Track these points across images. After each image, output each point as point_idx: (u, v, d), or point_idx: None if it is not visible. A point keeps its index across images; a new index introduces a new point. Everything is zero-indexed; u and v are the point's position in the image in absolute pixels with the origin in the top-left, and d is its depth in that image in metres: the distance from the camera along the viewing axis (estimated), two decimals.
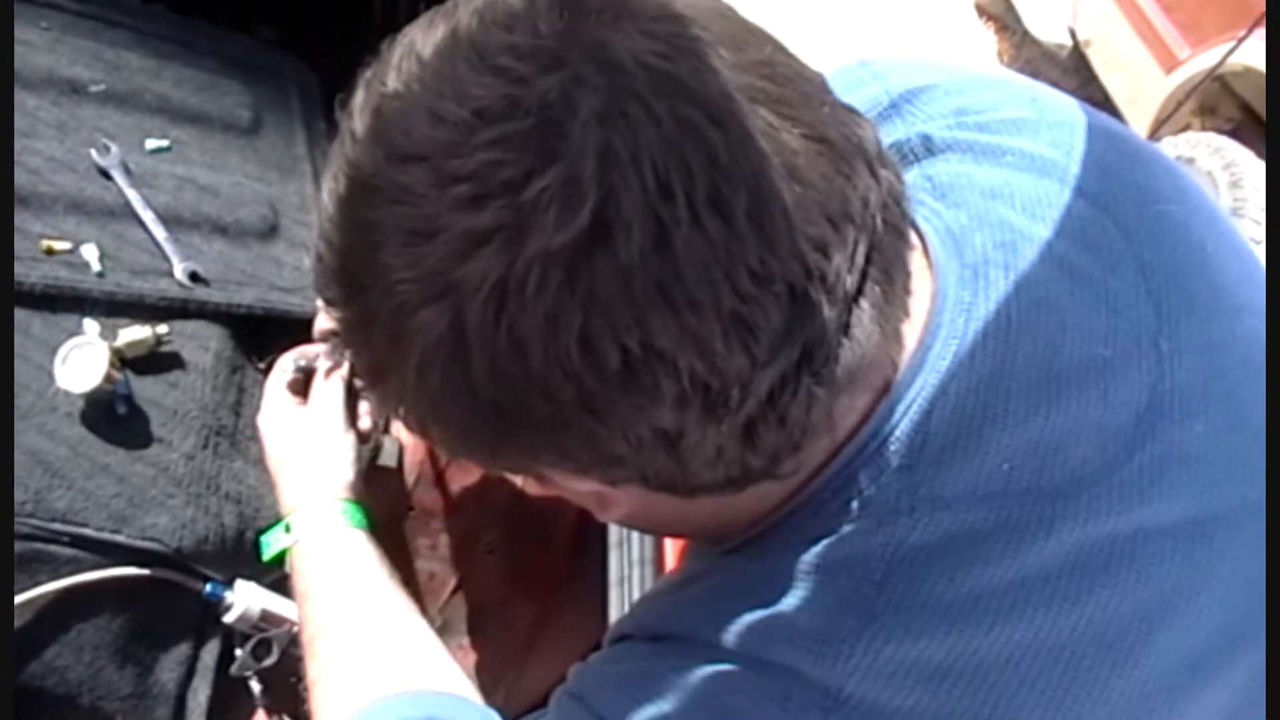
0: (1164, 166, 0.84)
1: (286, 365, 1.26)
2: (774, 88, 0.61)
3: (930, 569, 0.68)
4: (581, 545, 1.45)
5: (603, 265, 0.57)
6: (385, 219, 0.60)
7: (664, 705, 0.73)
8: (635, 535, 1.26)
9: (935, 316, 0.72)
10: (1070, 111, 0.84)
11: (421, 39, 0.63)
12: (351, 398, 1.25)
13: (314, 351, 1.27)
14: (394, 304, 0.61)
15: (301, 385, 1.25)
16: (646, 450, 0.64)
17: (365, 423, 1.28)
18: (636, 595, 1.25)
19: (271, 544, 1.20)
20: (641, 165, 0.57)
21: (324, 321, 1.28)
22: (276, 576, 1.29)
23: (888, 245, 0.63)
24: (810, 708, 0.68)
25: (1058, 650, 0.68)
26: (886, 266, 0.64)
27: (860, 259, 0.61)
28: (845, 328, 0.62)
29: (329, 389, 1.24)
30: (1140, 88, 4.69)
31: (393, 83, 0.63)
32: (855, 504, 0.70)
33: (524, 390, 0.60)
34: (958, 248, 0.75)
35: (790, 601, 0.71)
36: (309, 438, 1.21)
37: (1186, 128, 4.74)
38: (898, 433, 0.70)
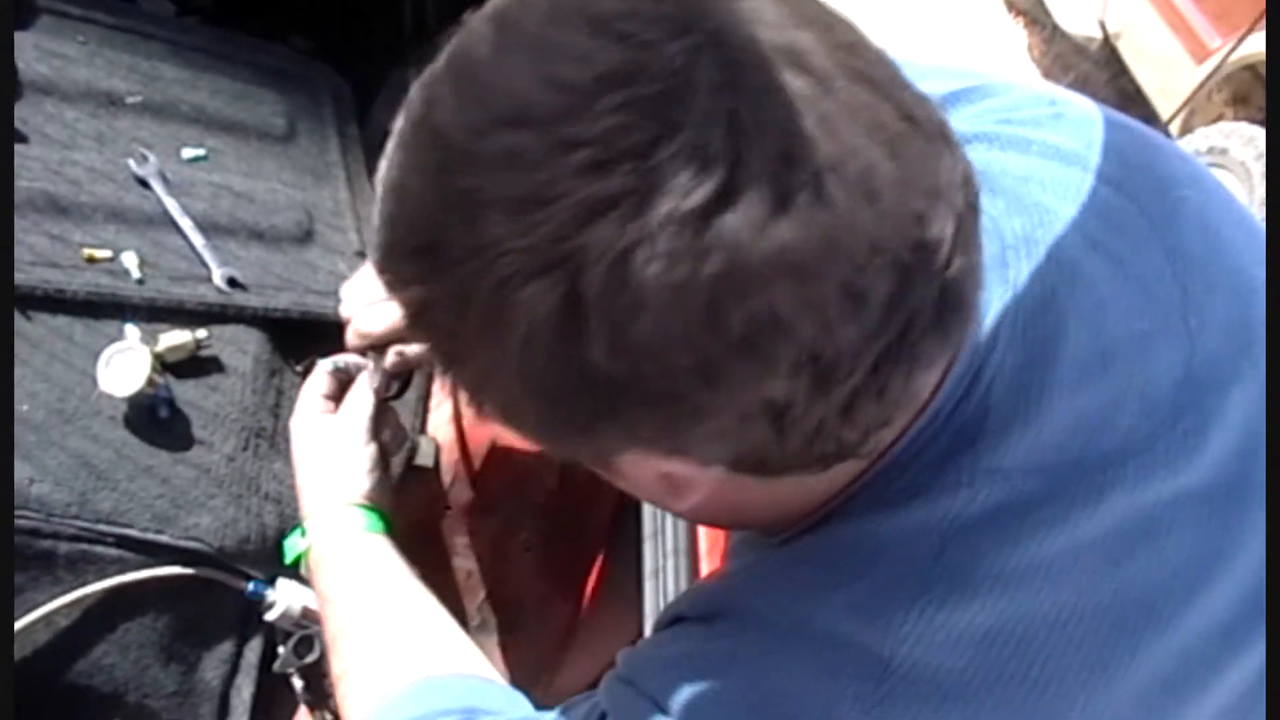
0: (1179, 156, 0.86)
1: (321, 372, 1.27)
2: (866, 67, 0.62)
3: (985, 539, 0.70)
4: (617, 541, 1.46)
5: (730, 229, 0.57)
6: (489, 187, 0.59)
7: (715, 686, 0.73)
8: (669, 526, 1.27)
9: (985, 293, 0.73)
10: (1088, 107, 0.87)
11: (507, 8, 0.62)
12: (380, 410, 1.26)
13: (354, 360, 1.28)
14: (496, 278, 0.59)
15: (337, 391, 1.26)
16: (751, 424, 0.63)
17: (388, 435, 1.29)
18: (672, 586, 1.26)
19: (291, 548, 1.23)
20: (765, 133, 0.57)
21: (359, 329, 1.27)
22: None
23: (969, 223, 0.64)
24: (862, 678, 0.69)
25: (1102, 612, 0.70)
26: (968, 242, 0.64)
27: (950, 234, 0.62)
28: (939, 302, 0.63)
29: (359, 400, 1.24)
30: (1171, 79, 4.67)
31: (484, 50, 0.61)
32: (918, 479, 0.72)
33: (641, 360, 0.60)
34: (997, 230, 0.76)
35: (846, 575, 0.72)
36: (330, 446, 1.21)
37: (1219, 118, 4.73)
38: (962, 407, 0.71)
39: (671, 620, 0.84)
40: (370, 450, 1.22)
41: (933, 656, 0.69)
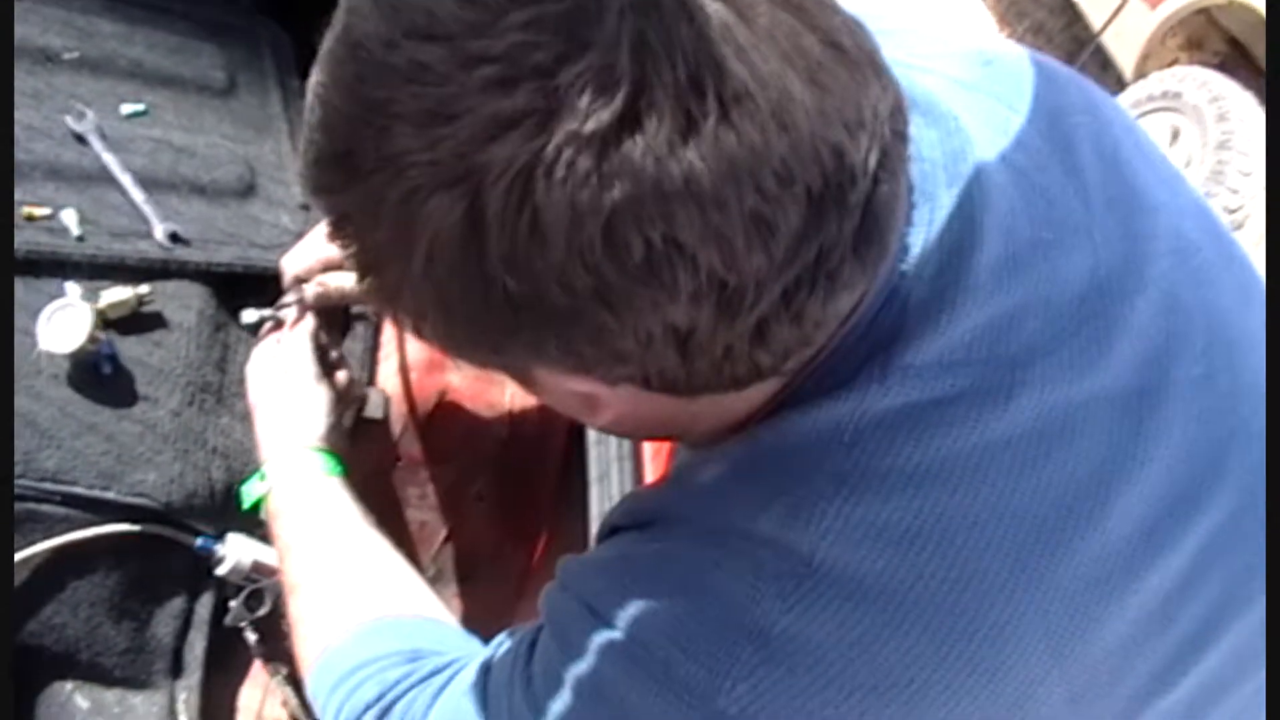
0: (1077, 86, 0.88)
1: (247, 313, 1.30)
2: None
3: (898, 432, 0.71)
4: (568, 488, 1.46)
5: (631, 153, 0.56)
6: (399, 99, 0.58)
7: (644, 586, 0.75)
8: (614, 471, 1.28)
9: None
10: (1016, 52, 0.89)
11: None
12: (322, 351, 1.28)
13: (284, 306, 1.30)
14: (404, 189, 0.59)
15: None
16: (655, 347, 0.63)
17: (343, 376, 1.30)
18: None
19: (249, 494, 1.22)
20: (674, 56, 0.56)
21: (284, 265, 1.30)
22: (266, 529, 1.31)
23: (895, 153, 0.64)
24: (784, 575, 0.70)
25: (1019, 514, 0.71)
26: (893, 172, 0.64)
27: (873, 165, 0.62)
28: (858, 232, 0.62)
29: (296, 340, 1.26)
30: (1126, 24, 4.67)
31: None
32: (834, 383, 0.72)
33: (540, 280, 0.59)
34: (915, 145, 0.77)
35: (766, 476, 0.73)
36: (282, 388, 1.23)
37: (1174, 62, 4.74)
38: (880, 317, 0.72)
39: (609, 531, 0.85)
40: (322, 389, 1.24)
41: (852, 555, 0.70)
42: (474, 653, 0.94)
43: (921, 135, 0.77)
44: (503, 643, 0.90)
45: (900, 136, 0.65)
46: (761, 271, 0.60)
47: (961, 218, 0.75)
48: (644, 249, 0.58)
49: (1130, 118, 0.89)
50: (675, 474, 0.85)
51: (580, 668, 0.77)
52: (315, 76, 0.64)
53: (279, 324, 1.29)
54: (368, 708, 0.92)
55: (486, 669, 0.88)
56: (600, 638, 0.76)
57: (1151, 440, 0.76)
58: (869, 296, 0.71)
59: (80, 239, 1.33)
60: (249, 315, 1.30)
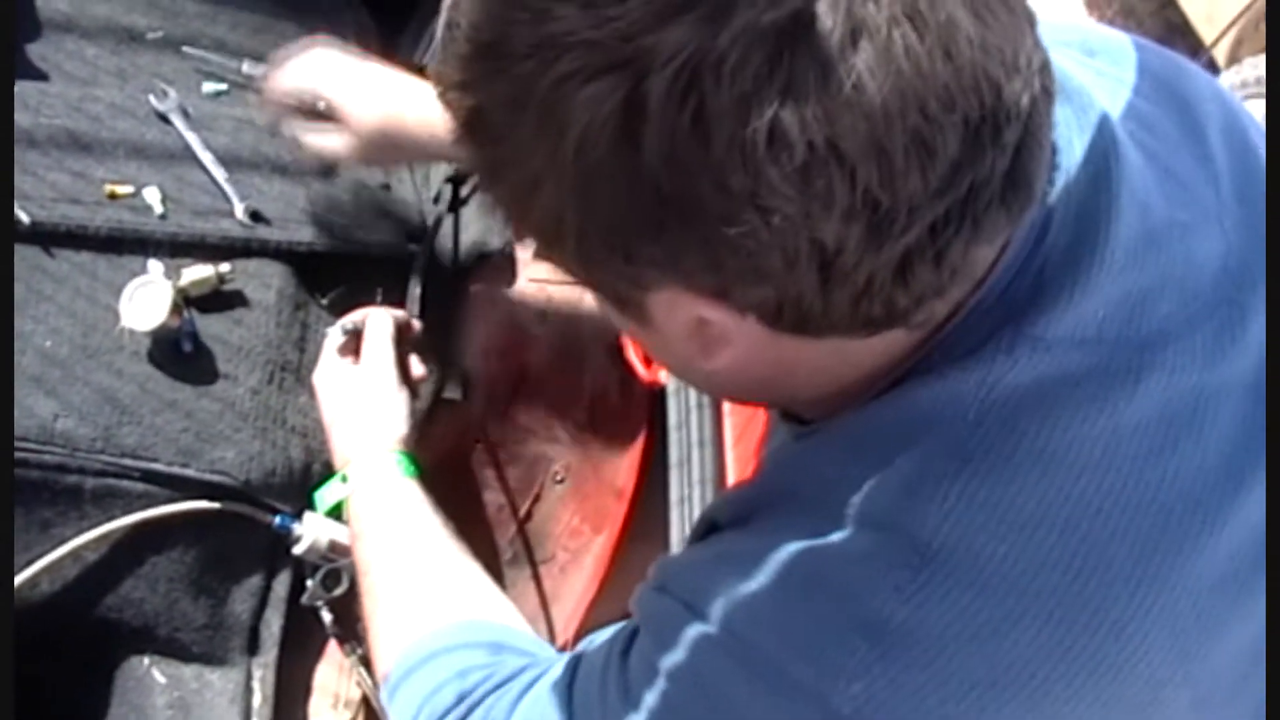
0: (1203, 76, 0.86)
1: (335, 331, 1.29)
2: None
3: (1024, 411, 0.67)
4: (648, 472, 1.45)
5: (804, 53, 0.54)
6: None
7: (750, 583, 0.71)
8: (695, 456, 1.26)
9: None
10: (1118, 36, 0.86)
11: None
12: (401, 354, 1.28)
13: (360, 316, 1.30)
14: (559, 74, 0.57)
15: (352, 347, 1.28)
16: (799, 267, 0.60)
17: (419, 370, 1.31)
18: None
19: (325, 498, 1.23)
20: None
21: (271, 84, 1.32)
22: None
23: (1043, 107, 0.62)
24: (900, 564, 0.67)
25: (1146, 503, 0.68)
26: (1041, 124, 0.62)
27: (1025, 112, 0.59)
28: (1008, 175, 0.60)
29: (378, 347, 1.26)
30: (1218, 7, 4.57)
31: None
32: (962, 352, 0.69)
33: (695, 176, 0.57)
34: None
35: (882, 450, 0.69)
36: (362, 395, 1.23)
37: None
38: (1015, 284, 0.69)
39: (706, 529, 0.83)
40: (403, 394, 1.24)
41: (974, 540, 0.66)
42: (552, 656, 0.93)
43: (1056, 108, 0.74)
44: (592, 644, 0.87)
45: (1048, 93, 0.62)
46: (916, 196, 0.58)
47: (1097, 189, 0.71)
48: (806, 152, 0.55)
49: (1245, 108, 0.86)
50: (774, 460, 0.81)
51: (682, 668, 0.74)
52: None
53: (359, 335, 1.29)
54: (447, 711, 0.91)
55: (573, 672, 0.85)
56: (703, 637, 0.73)
57: None
58: (1005, 258, 0.68)
59: (163, 217, 1.33)
60: (337, 336, 1.29)
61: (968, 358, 0.68)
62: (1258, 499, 0.71)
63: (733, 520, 0.79)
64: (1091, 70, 0.80)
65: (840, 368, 0.72)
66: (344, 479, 1.19)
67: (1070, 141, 0.73)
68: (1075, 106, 0.75)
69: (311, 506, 1.25)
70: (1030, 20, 0.61)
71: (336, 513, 1.22)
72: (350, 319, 1.30)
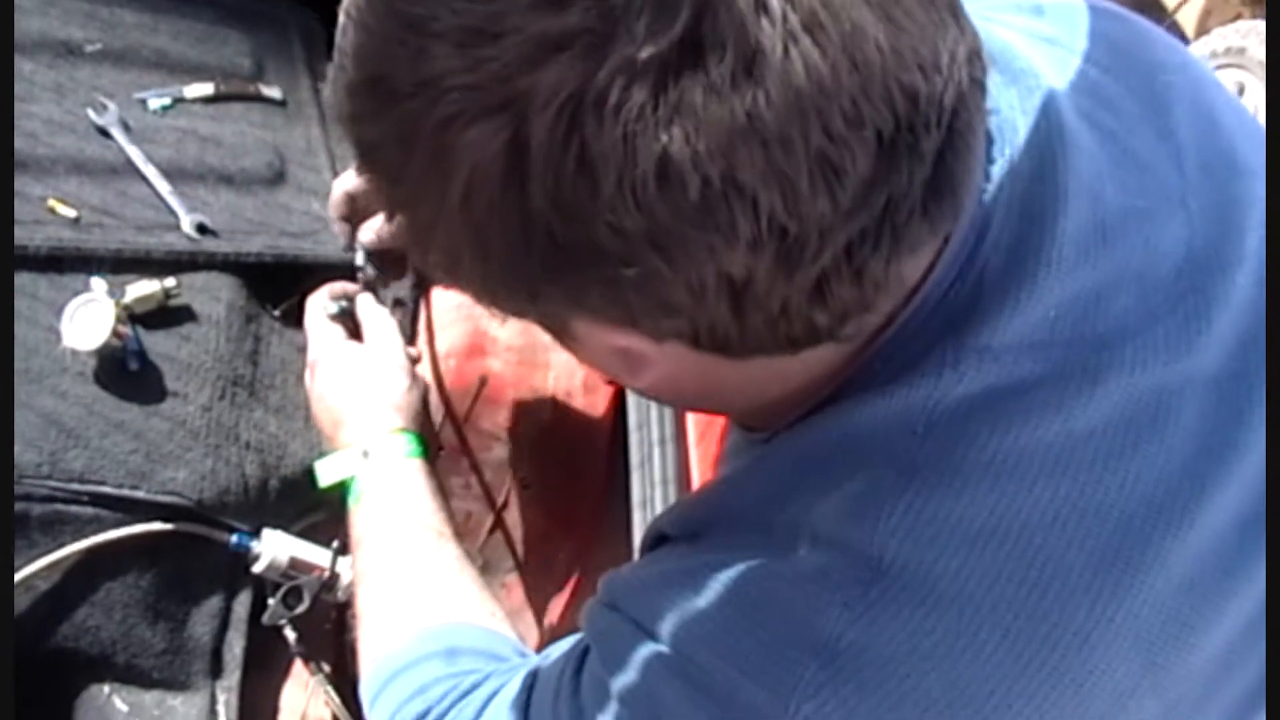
0: (1166, 43, 0.81)
1: (328, 304, 1.24)
2: None
3: (973, 421, 0.65)
4: (614, 475, 1.42)
5: (691, 85, 0.51)
6: (439, 15, 0.53)
7: (700, 602, 0.69)
8: (656, 456, 1.23)
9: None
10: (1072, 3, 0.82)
11: None
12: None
13: (351, 289, 1.26)
14: (441, 116, 0.54)
15: (348, 326, 1.24)
16: (708, 299, 0.58)
17: (411, 351, 1.27)
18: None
19: (330, 472, 1.16)
20: None
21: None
22: (303, 524, 1.28)
23: (971, 102, 0.58)
24: (850, 582, 0.64)
25: (1104, 511, 0.65)
26: (969, 123, 0.58)
27: (947, 114, 0.56)
28: (929, 184, 0.57)
29: (384, 325, 1.22)
30: None
31: None
32: (902, 365, 0.66)
33: (587, 220, 0.54)
34: (992, 101, 0.71)
35: (827, 469, 0.67)
36: (375, 373, 1.19)
37: (1237, 17, 4.61)
38: (954, 290, 0.66)
39: (655, 540, 0.81)
40: (412, 375, 1.21)
41: (924, 554, 0.64)
42: (518, 665, 0.91)
43: (999, 93, 0.70)
44: (547, 658, 0.86)
45: (978, 85, 0.59)
46: (825, 219, 0.55)
47: (1043, 180, 0.68)
48: (701, 188, 0.53)
49: (1214, 76, 0.82)
50: (726, 476, 0.79)
51: (634, 690, 0.72)
52: (347, 1, 0.59)
53: (351, 311, 1.25)
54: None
55: (529, 689, 0.84)
56: (655, 657, 0.71)
57: (1252, 428, 0.69)
58: (940, 265, 0.65)
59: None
60: (330, 307, 1.24)
61: (911, 371, 0.66)
62: (1221, 501, 0.68)
63: (682, 534, 0.77)
64: (1041, 40, 0.76)
65: (772, 382, 0.70)
66: (365, 454, 1.13)
67: (1016, 126, 0.69)
68: (1021, 88, 0.71)
69: (313, 480, 1.18)
70: (951, 8, 0.57)
71: (336, 489, 1.16)
72: (333, 298, 1.25)
